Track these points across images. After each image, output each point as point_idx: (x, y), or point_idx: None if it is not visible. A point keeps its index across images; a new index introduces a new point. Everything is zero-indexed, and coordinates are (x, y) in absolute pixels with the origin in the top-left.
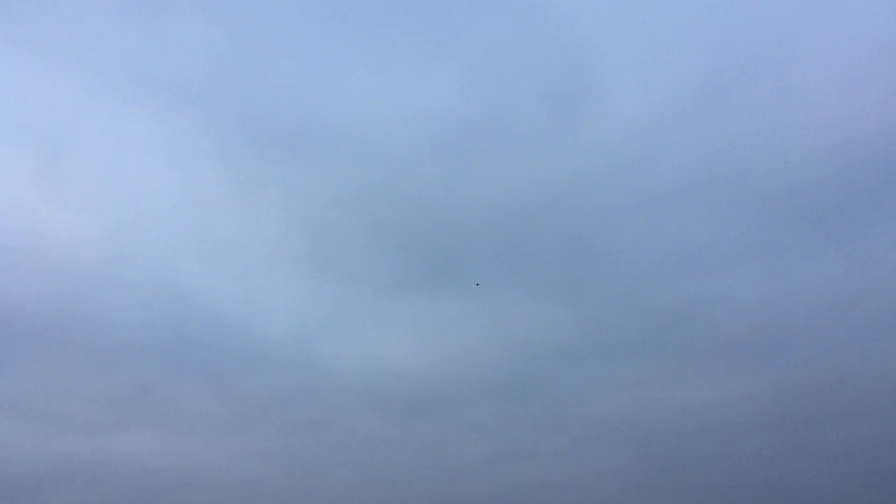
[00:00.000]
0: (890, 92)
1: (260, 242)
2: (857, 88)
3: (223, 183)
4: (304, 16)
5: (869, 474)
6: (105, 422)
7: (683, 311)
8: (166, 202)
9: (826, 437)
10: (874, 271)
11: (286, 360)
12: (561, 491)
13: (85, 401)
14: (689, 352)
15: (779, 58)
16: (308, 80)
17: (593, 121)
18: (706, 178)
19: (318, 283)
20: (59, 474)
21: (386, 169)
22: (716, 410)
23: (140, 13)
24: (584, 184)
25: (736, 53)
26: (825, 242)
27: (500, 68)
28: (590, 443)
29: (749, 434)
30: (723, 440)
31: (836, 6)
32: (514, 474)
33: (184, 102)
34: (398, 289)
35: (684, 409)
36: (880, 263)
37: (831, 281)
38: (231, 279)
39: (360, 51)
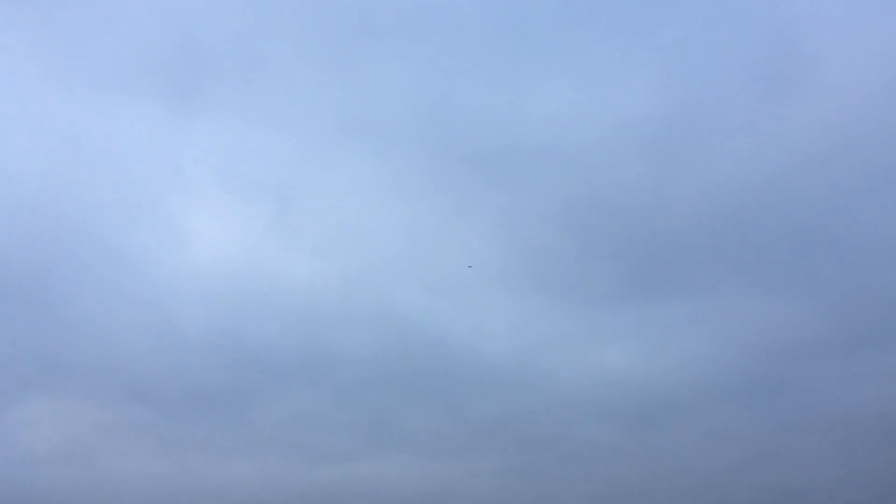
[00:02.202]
0: None
1: (477, 266)
2: None
3: (437, 213)
4: (491, 41)
5: None
6: (352, 449)
7: None
8: (387, 238)
9: None
10: None
11: (512, 378)
12: (814, 496)
13: (333, 430)
14: None
15: None
16: (503, 102)
17: (809, 98)
18: None
19: (536, 300)
20: (317, 500)
21: (590, 179)
22: None
23: (342, 66)
24: (807, 166)
25: None
26: None
27: (699, 57)
28: (841, 444)
29: None
30: None
31: None
32: (762, 481)
33: (392, 141)
34: (615, 298)
35: None
36: None
37: None
38: (453, 305)
39: (551, 65)
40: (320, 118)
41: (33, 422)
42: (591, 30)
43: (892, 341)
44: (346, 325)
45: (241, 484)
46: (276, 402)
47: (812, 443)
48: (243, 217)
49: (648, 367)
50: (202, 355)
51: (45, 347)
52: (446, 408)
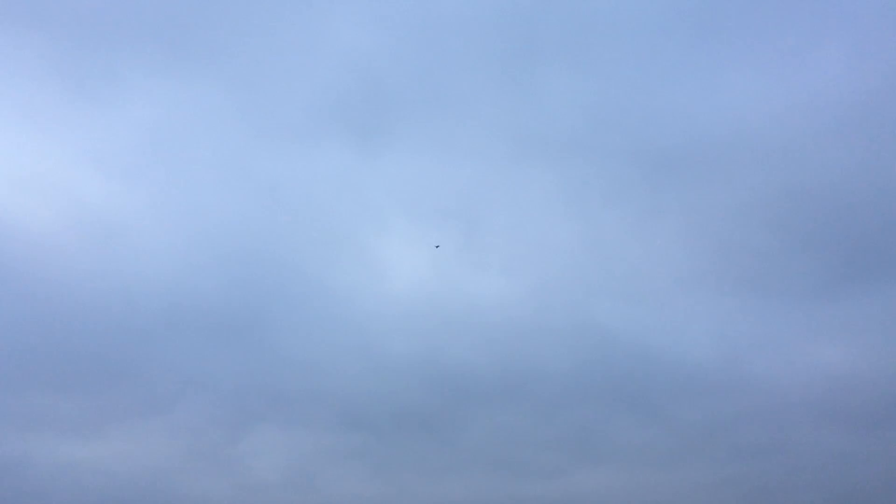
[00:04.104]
0: None
1: (668, 269)
2: None
3: (624, 219)
4: (663, 38)
5: None
6: (559, 464)
7: None
8: (575, 249)
9: None
10: None
11: (719, 382)
12: None
13: (538, 446)
14: None
15: None
16: (682, 98)
17: None
18: None
19: (737, 300)
20: None
21: (786, 167)
22: None
23: (514, 87)
24: None
25: None
26: None
27: (889, 29)
28: None
29: None
30: None
31: None
32: None
33: (571, 152)
34: (826, 291)
35: None
36: None
37: None
38: (647, 310)
39: (730, 52)
40: (498, 139)
41: (261, 450)
42: (769, 9)
43: None
44: (541, 340)
45: (453, 502)
46: (479, 420)
47: None
48: (433, 243)
49: (875, 361)
50: (406, 379)
51: (267, 381)
52: (651, 417)
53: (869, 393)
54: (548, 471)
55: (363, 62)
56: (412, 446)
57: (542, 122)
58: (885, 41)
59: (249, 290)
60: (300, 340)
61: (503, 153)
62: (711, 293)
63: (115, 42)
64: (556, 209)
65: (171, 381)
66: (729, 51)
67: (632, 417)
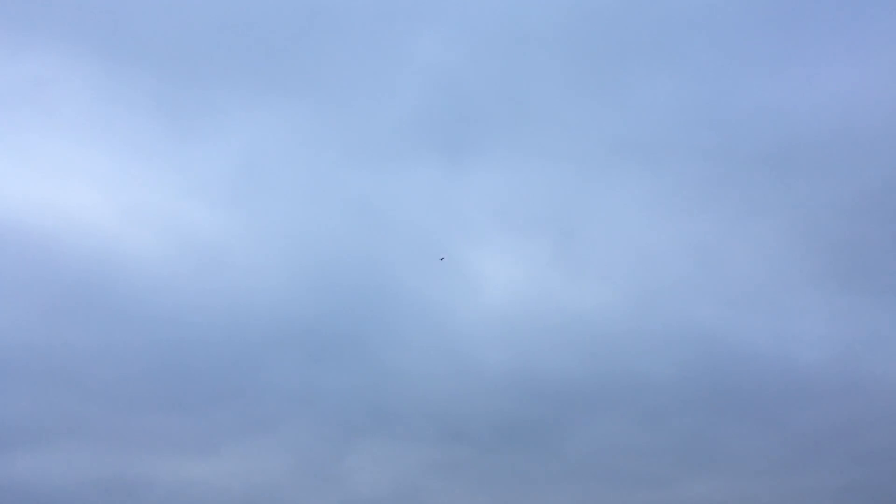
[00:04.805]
0: None
1: (773, 269)
2: None
3: (724, 221)
4: (756, 34)
5: None
6: (667, 474)
7: None
8: (675, 253)
9: None
10: None
11: (835, 386)
12: None
13: (645, 456)
14: None
15: None
16: (781, 92)
17: None
18: None
19: (850, 299)
20: None
21: (887, 160)
22: None
23: (605, 89)
24: None
25: None
26: None
27: None
28: None
29: None
30: None
31: None
32: None
33: (667, 155)
34: None
35: None
36: None
37: None
38: (753, 313)
39: (825, 45)
40: (588, 145)
41: (366, 465)
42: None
43: None
44: (642, 347)
45: None
46: (582, 430)
47: None
48: (527, 253)
49: None
50: (506, 390)
51: (369, 397)
52: (764, 424)
53: None
54: (654, 480)
55: (447, 77)
56: (515, 458)
57: (633, 124)
58: None
59: (349, 307)
60: (400, 355)
61: (594, 158)
62: (820, 292)
63: (210, 77)
64: (653, 212)
65: (278, 400)
66: (826, 42)
67: (742, 424)
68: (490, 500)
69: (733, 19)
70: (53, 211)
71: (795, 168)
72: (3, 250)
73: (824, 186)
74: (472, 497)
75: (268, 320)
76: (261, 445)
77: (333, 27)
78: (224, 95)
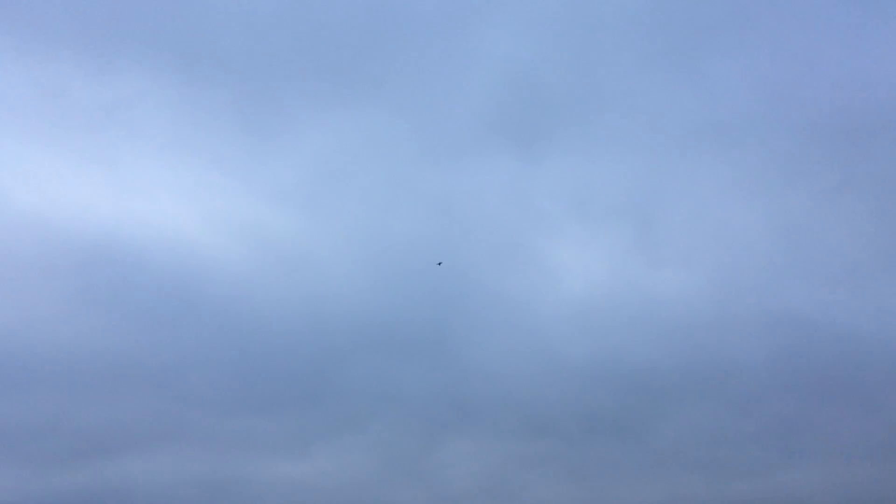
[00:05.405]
0: None
1: (865, 246)
2: None
3: (810, 198)
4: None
5: None
6: (763, 461)
7: None
8: (759, 234)
9: None
10: None
11: None
12: None
13: (739, 443)
14: None
15: None
16: (864, 63)
17: None
18: None
19: None
20: None
21: None
22: None
23: (678, 71)
24: None
25: None
26: None
27: None
28: None
29: None
30: None
31: None
32: None
33: (744, 134)
34: None
35: None
36: None
37: None
38: (846, 292)
39: None
40: (665, 129)
41: (454, 460)
42: None
43: None
44: (730, 332)
45: None
46: (670, 419)
47: None
48: (606, 242)
49: None
50: (591, 382)
51: (455, 392)
52: (864, 407)
53: None
54: (750, 469)
55: (520, 70)
56: (603, 449)
57: (711, 105)
58: None
59: (430, 304)
60: (483, 350)
61: (672, 143)
62: None
63: (283, 87)
64: (735, 194)
65: (364, 399)
66: None
67: (841, 408)
68: (580, 491)
69: None
70: (143, 224)
71: (883, 141)
72: (99, 264)
73: None
74: (562, 489)
75: (350, 322)
76: (350, 444)
77: (402, 28)
78: (297, 104)
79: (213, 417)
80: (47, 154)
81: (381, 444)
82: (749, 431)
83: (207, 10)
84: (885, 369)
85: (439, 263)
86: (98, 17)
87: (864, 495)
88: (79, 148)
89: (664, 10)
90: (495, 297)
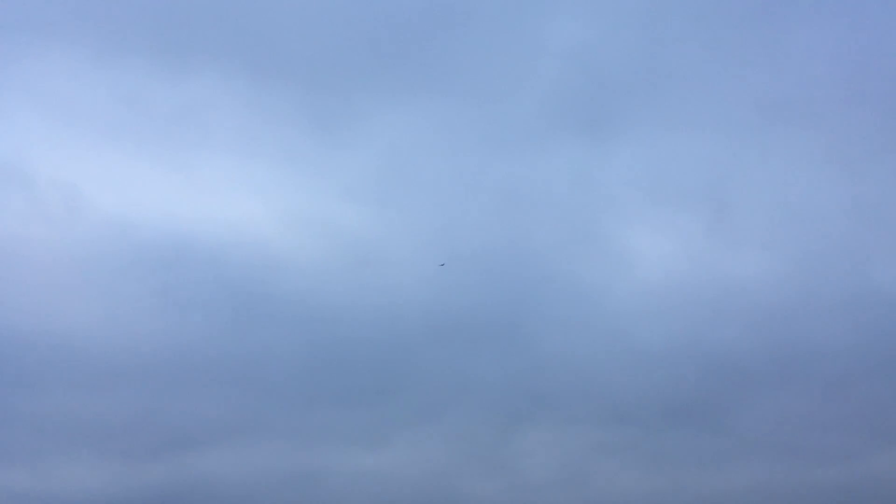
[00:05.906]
0: None
1: None
2: None
3: (889, 175)
4: None
5: None
6: (853, 447)
7: None
8: (842, 212)
9: None
10: None
11: None
12: None
13: (827, 429)
14: None
15: None
16: None
17: None
18: None
19: None
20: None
21: None
22: None
23: (750, 48)
24: None
25: None
26: None
27: None
28: None
29: None
30: None
31: None
32: None
33: (821, 110)
34: None
35: None
36: None
37: None
38: None
39: None
40: (740, 108)
41: (532, 449)
42: None
43: None
44: (815, 315)
45: (735, 493)
46: (754, 406)
47: None
48: (681, 226)
49: None
50: (670, 368)
51: (530, 382)
52: None
53: None
54: (838, 454)
55: (583, 55)
56: (684, 437)
57: (789, 80)
58: None
59: (503, 294)
60: (558, 338)
61: (748, 121)
62: None
63: (350, 83)
64: (817, 172)
65: (440, 390)
66: None
67: None
68: (660, 480)
69: None
70: (219, 223)
71: None
72: (179, 265)
73: None
74: (641, 478)
75: (424, 313)
76: (428, 435)
77: (465, 19)
78: (365, 99)
79: (293, 411)
80: (126, 159)
81: (457, 434)
82: (836, 416)
83: (272, 11)
84: None
85: (441, 265)
86: (169, 24)
87: None
88: (155, 152)
89: None
90: (569, 284)
